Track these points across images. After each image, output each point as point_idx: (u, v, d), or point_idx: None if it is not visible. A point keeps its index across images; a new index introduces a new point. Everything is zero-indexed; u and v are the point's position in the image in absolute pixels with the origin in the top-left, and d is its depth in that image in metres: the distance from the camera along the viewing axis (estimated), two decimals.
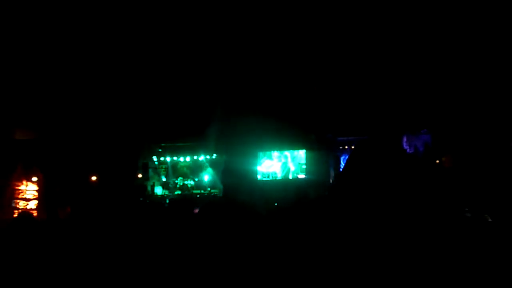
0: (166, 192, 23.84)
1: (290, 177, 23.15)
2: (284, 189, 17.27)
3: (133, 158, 22.05)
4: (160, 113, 20.46)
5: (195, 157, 24.97)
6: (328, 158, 21.85)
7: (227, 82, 18.22)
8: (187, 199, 19.96)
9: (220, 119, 20.32)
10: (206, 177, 24.62)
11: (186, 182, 24.40)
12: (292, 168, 23.23)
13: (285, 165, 23.22)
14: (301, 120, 21.54)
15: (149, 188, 22.94)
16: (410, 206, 2.00)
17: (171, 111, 20.40)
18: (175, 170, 25.39)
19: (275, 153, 23.38)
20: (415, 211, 2.02)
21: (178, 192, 23.87)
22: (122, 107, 19.38)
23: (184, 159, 25.02)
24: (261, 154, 23.19)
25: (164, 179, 24.92)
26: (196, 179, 24.95)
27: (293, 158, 23.31)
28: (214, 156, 24.58)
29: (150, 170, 23.22)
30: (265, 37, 13.35)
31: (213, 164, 24.67)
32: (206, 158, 24.87)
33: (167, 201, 19.10)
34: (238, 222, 3.53)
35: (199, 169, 25.50)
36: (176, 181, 24.47)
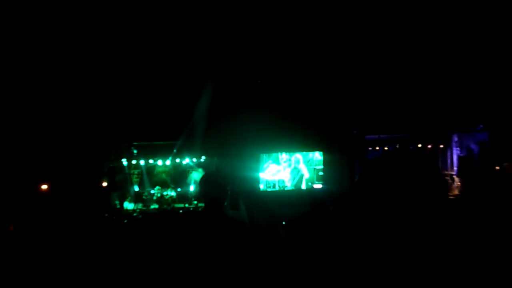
0: (140, 206, 23.92)
1: (303, 187, 23.27)
2: (295, 203, 17.71)
3: (97, 161, 22.10)
4: (132, 104, 20.59)
5: (177, 161, 24.90)
6: (353, 162, 21.45)
7: (218, 63, 18.28)
8: (166, 215, 20.06)
9: (211, 111, 20.52)
10: (192, 187, 24.48)
11: (165, 193, 24.34)
12: (306, 176, 23.24)
13: (296, 171, 23.22)
14: (317, 113, 21.72)
15: (116, 201, 22.91)
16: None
17: (147, 101, 20.54)
18: (151, 178, 25.38)
19: (283, 156, 23.35)
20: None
21: (155, 206, 23.95)
22: (82, 96, 19.42)
23: (163, 162, 24.86)
24: (264, 157, 23.25)
25: (136, 188, 24.99)
26: (179, 189, 24.76)
27: (307, 162, 23.30)
28: (203, 159, 24.61)
29: (118, 177, 23.17)
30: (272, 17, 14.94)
31: (201, 169, 24.42)
32: (192, 162, 24.86)
33: (139, 217, 19.16)
34: (228, 246, 4.12)
35: (182, 176, 25.52)
36: (153, 192, 24.50)
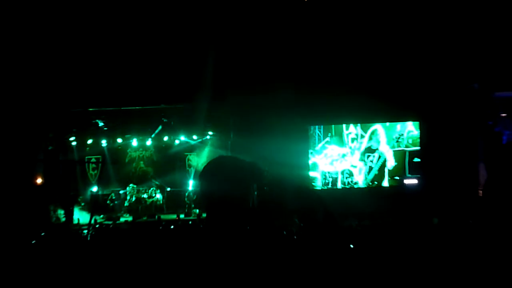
0: (100, 219, 23.85)
1: (385, 183, 23.72)
2: (373, 213, 18.37)
3: (25, 141, 21.73)
4: (85, 46, 20.92)
5: (165, 139, 25.69)
6: (475, 139, 22.12)
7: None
8: (145, 234, 19.09)
9: (222, 59, 21.21)
10: (191, 183, 25.52)
11: (144, 196, 25.22)
12: (390, 163, 23.93)
13: (373, 156, 24.05)
14: (407, 58, 21.87)
15: (60, 209, 23.19)
16: None
17: (110, 43, 21.02)
18: (120, 169, 26.65)
19: (351, 130, 23.97)
20: None
21: (126, 217, 24.15)
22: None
23: (141, 143, 26.04)
24: (316, 131, 23.93)
25: (95, 188, 25.66)
26: (168, 189, 25.80)
27: (392, 141, 23.96)
28: (208, 135, 25.63)
29: (63, 169, 24.15)
30: None
31: (206, 152, 25.78)
32: (191, 140, 25.91)
33: (91, 235, 18.36)
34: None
35: (173, 165, 26.74)
36: (123, 192, 25.46)
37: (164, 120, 24.65)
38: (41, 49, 20.51)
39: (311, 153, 23.90)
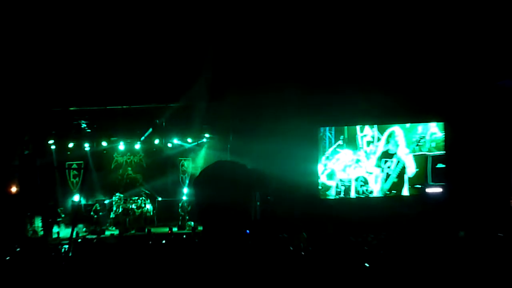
0: (82, 232, 23.83)
1: (405, 192, 23.69)
2: (390, 221, 18.15)
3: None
4: (67, 41, 20.74)
5: (156, 142, 25.67)
6: (506, 140, 22.22)
7: None
8: (132, 250, 19.14)
9: (223, 53, 20.98)
10: (185, 190, 25.59)
11: (132, 206, 25.23)
12: (410, 170, 23.90)
13: (391, 162, 23.96)
14: (430, 48, 21.59)
15: (37, 221, 23.23)
16: None
17: (96, 36, 20.85)
18: (105, 176, 26.66)
19: (366, 131, 24.01)
20: None
21: (112, 230, 24.14)
22: None
23: (128, 146, 26.06)
24: (327, 133, 23.76)
25: (76, 197, 25.58)
26: (159, 198, 25.89)
27: (411, 143, 23.92)
28: (205, 138, 25.65)
29: (41, 174, 23.71)
30: None
31: (201, 156, 26.01)
32: (185, 143, 25.98)
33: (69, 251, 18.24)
34: None
35: (166, 171, 26.74)
36: (108, 202, 25.40)
37: (157, 122, 24.68)
38: (17, 40, 20.43)
39: (321, 158, 23.83)
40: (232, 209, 4.31)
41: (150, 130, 25.03)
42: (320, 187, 23.47)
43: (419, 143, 23.96)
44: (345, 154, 23.95)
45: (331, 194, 23.46)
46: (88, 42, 20.87)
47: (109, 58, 21.16)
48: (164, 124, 24.73)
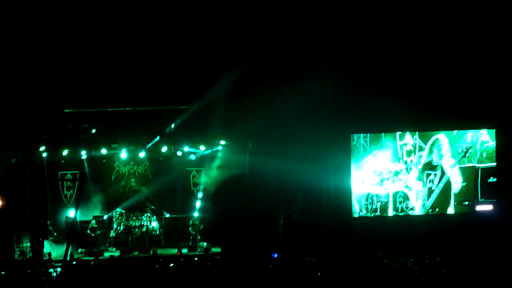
0: (78, 253, 23.76)
1: (450, 210, 23.53)
2: (433, 243, 18.41)
3: None
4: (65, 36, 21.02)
5: (163, 150, 25.67)
6: None
7: None
8: (135, 274, 19.17)
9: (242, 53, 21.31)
10: (198, 204, 25.58)
11: (135, 223, 25.15)
12: (456, 185, 23.63)
13: (433, 174, 23.76)
14: (480, 47, 21.68)
15: (25, 241, 23.20)
16: None
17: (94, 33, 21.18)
18: (105, 188, 26.39)
19: (407, 140, 23.84)
20: None
21: (113, 251, 23.94)
22: None
23: (131, 155, 25.97)
24: (361, 141, 23.72)
25: (71, 213, 25.29)
26: (166, 215, 25.80)
27: (458, 153, 23.70)
28: (220, 145, 25.57)
29: (31, 186, 23.85)
30: None
31: (215, 168, 25.74)
32: (197, 151, 25.90)
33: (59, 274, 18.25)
34: None
35: (175, 184, 26.59)
36: (108, 218, 25.38)
37: (169, 129, 24.81)
38: (9, 35, 20.62)
39: (350, 170, 23.64)
40: (256, 229, 4.24)
41: (158, 138, 25.16)
42: (352, 203, 23.28)
43: (466, 154, 23.82)
44: (382, 165, 23.82)
45: (365, 212, 23.51)
46: (87, 36, 20.97)
47: (110, 54, 21.33)
48: (173, 129, 24.84)
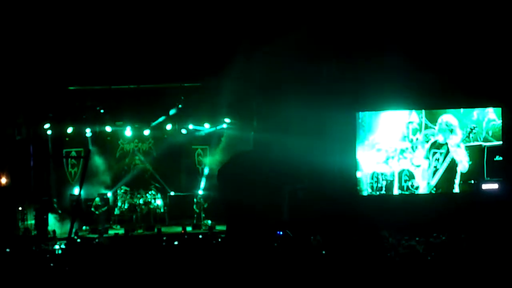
0: (82, 231, 23.84)
1: (456, 189, 23.54)
2: (439, 222, 18.21)
3: None
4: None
5: (168, 128, 25.71)
6: None
7: None
8: (140, 251, 19.08)
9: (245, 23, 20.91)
10: (202, 184, 25.74)
11: (139, 201, 25.22)
12: (463, 164, 23.64)
13: (438, 153, 23.73)
14: (488, 23, 21.42)
15: (30, 218, 23.38)
16: None
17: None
18: (109, 166, 26.57)
19: (412, 118, 23.77)
20: None
21: (117, 230, 24.15)
22: None
23: (136, 132, 26.07)
24: (366, 119, 23.73)
25: (76, 190, 25.59)
26: (171, 193, 26.07)
27: (464, 132, 23.54)
28: (225, 124, 25.60)
29: (36, 163, 24.10)
30: None
31: (220, 146, 25.76)
32: (201, 129, 25.97)
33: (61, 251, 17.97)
34: None
35: (178, 161, 27.01)
36: (111, 197, 25.62)
37: (179, 106, 24.90)
38: (15, 15, 20.45)
39: (356, 149, 23.63)
40: (262, 207, 4.42)
41: (163, 118, 25.37)
42: (358, 182, 23.30)
43: (470, 133, 23.80)
44: (388, 144, 23.83)
45: (370, 190, 23.47)
46: (93, 12, 20.72)
47: (115, 31, 21.13)
48: (179, 106, 24.93)
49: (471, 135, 23.58)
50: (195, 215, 24.64)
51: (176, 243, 19.30)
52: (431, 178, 23.72)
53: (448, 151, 23.67)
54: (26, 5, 20.54)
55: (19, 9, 20.66)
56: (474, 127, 23.51)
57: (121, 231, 23.71)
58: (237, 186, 4.58)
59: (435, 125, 23.83)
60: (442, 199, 23.16)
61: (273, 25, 21.05)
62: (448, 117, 23.84)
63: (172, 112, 24.98)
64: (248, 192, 4.48)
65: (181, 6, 20.87)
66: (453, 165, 23.63)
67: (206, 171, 26.21)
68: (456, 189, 23.59)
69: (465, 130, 23.76)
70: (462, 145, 23.69)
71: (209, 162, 26.09)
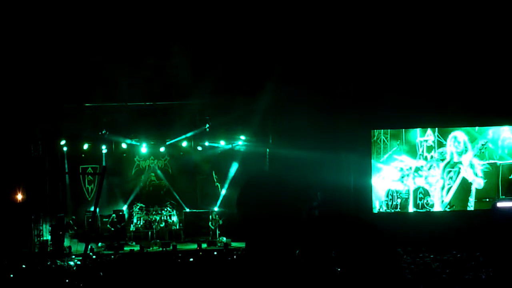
0: (98, 247, 23.69)
1: (470, 206, 23.38)
2: (454, 241, 18.25)
3: (3, 145, 22.10)
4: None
5: (184, 144, 25.53)
6: None
7: None
8: (154, 269, 19.12)
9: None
10: (219, 200, 25.27)
11: (155, 217, 25.19)
12: (477, 181, 23.44)
13: (453, 171, 23.55)
14: (502, 40, 21.52)
15: (46, 234, 23.34)
16: None
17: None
18: (125, 182, 26.50)
19: (428, 137, 23.52)
20: None
21: (133, 247, 23.82)
22: None
23: (151, 148, 25.87)
24: (381, 137, 23.38)
25: (92, 207, 24.36)
26: (186, 209, 25.70)
27: (477, 150, 23.44)
28: (240, 141, 25.23)
29: (52, 180, 24.05)
30: None
31: (240, 162, 25.46)
32: (217, 145, 25.71)
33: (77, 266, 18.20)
34: None
35: (195, 178, 26.68)
36: (128, 212, 25.37)
37: (208, 124, 24.75)
38: (26, 28, 20.57)
39: (372, 167, 23.54)
40: (280, 228, 4.30)
41: (184, 136, 25.24)
42: (372, 199, 23.17)
43: (482, 150, 23.79)
44: (402, 161, 23.70)
45: (385, 208, 23.39)
46: (108, 27, 20.90)
47: (131, 49, 21.27)
48: (206, 126, 24.84)
49: (483, 151, 23.56)
50: (211, 232, 24.50)
51: (191, 259, 19.35)
52: (446, 196, 23.60)
53: (462, 169, 23.57)
54: (46, 23, 20.66)
55: (38, 28, 20.82)
56: (485, 143, 23.45)
57: (137, 248, 23.46)
58: (256, 209, 4.32)
59: (446, 141, 23.73)
60: (457, 217, 23.02)
61: (290, 52, 21.44)
62: (461, 136, 23.79)
63: (197, 131, 24.99)
64: (266, 213, 4.28)
65: (198, 28, 21.21)
66: (466, 183, 23.50)
67: (222, 189, 25.94)
68: (471, 207, 23.42)
69: (476, 146, 23.65)
70: (476, 163, 23.54)
71: (225, 179, 25.80)
